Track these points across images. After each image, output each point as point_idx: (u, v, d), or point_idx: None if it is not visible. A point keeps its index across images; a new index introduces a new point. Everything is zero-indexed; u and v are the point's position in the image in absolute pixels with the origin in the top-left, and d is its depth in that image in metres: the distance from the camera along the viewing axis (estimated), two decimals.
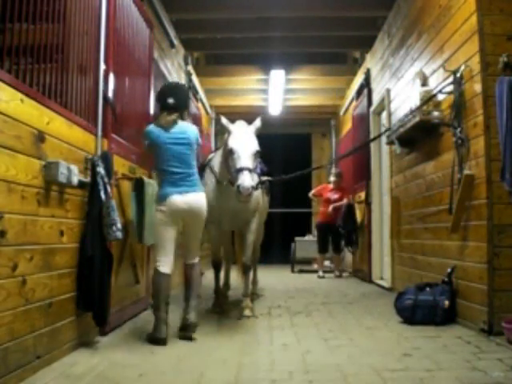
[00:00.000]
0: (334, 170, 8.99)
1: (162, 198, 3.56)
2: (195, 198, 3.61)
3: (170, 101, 3.66)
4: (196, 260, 3.86)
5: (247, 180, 3.68)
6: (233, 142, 3.94)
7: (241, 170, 3.75)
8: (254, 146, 3.97)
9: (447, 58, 4.24)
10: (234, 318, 4.41)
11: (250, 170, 3.77)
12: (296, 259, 9.48)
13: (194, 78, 8.07)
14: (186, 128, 3.72)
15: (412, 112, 4.63)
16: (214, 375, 2.71)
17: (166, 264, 3.58)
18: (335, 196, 8.51)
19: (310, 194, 9.17)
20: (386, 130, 5.64)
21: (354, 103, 8.64)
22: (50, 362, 2.83)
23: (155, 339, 3.41)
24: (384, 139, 5.99)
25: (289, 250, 9.62)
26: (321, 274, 8.51)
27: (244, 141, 3.94)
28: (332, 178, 8.84)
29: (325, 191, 8.77)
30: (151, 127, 3.71)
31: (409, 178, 5.45)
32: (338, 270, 8.58)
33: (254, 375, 2.70)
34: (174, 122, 3.65)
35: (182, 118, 3.75)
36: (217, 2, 6.33)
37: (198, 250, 3.89)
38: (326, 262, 9.34)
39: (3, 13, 2.52)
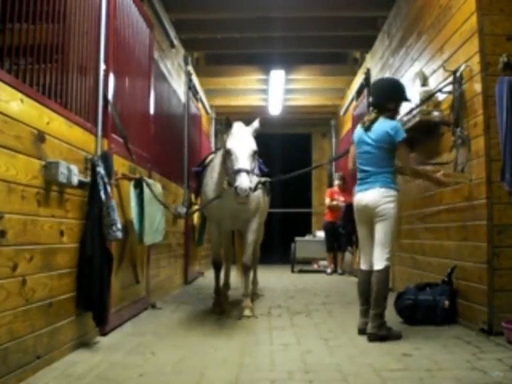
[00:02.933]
0: (337, 175, 9.40)
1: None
2: (370, 195, 3.59)
3: (371, 100, 3.76)
4: (378, 266, 3.54)
5: (245, 182, 3.68)
6: (230, 143, 3.95)
7: (238, 171, 3.76)
8: (252, 146, 3.97)
9: (447, 58, 4.24)
10: (234, 317, 4.41)
11: (248, 172, 3.78)
12: (296, 259, 9.49)
13: (194, 78, 8.07)
14: (379, 126, 3.63)
15: (411, 111, 4.64)
16: (214, 375, 2.71)
17: (363, 262, 3.76)
18: (341, 198, 8.94)
19: (328, 202, 9.15)
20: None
21: (354, 103, 8.64)
22: (50, 362, 2.83)
23: (358, 328, 3.69)
24: None
25: (289, 249, 9.63)
26: (329, 271, 8.95)
27: (242, 142, 3.94)
28: (336, 182, 9.26)
29: (333, 195, 9.14)
30: (358, 126, 3.82)
31: (409, 177, 5.44)
32: (340, 268, 8.89)
33: (254, 375, 2.70)
34: (373, 121, 3.67)
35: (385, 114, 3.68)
36: (217, 2, 6.33)
37: (381, 254, 3.56)
38: (322, 262, 9.64)
39: (3, 13, 2.52)
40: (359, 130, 3.79)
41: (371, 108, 3.81)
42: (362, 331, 3.62)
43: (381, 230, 3.58)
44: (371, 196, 3.60)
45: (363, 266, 3.76)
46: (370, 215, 3.63)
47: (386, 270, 3.55)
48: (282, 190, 10.14)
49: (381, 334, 3.47)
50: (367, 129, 3.69)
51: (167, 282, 5.96)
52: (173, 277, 6.31)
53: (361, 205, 3.68)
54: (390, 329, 3.56)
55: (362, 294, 3.70)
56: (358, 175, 3.76)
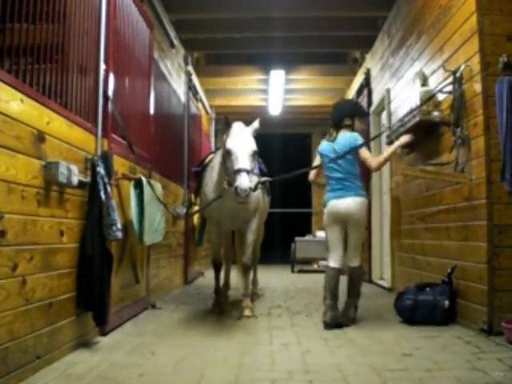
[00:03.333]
0: None
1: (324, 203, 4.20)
2: (348, 203, 4.02)
3: (331, 120, 4.32)
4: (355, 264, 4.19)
5: (245, 181, 3.68)
6: (230, 143, 3.95)
7: (238, 171, 3.75)
8: (252, 146, 3.97)
9: (447, 58, 4.24)
10: (234, 318, 4.41)
11: (248, 171, 3.77)
12: (296, 259, 9.49)
13: (194, 78, 8.08)
14: (342, 138, 4.15)
15: (412, 111, 4.63)
16: (214, 375, 2.71)
17: (333, 260, 4.12)
18: None
19: None
20: (381, 133, 5.63)
21: None
22: (50, 362, 2.83)
23: (324, 322, 3.94)
24: (384, 139, 5.99)
25: (289, 249, 9.63)
26: None
27: (241, 142, 3.94)
28: None
29: None
30: (323, 140, 4.36)
31: (409, 178, 5.44)
32: None
33: (254, 375, 2.70)
34: (335, 136, 4.21)
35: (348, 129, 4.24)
36: (217, 2, 6.33)
37: (355, 254, 4.19)
38: (322, 262, 9.62)
39: (3, 13, 2.52)
40: (324, 143, 4.29)
41: (331, 128, 4.28)
42: (330, 325, 3.90)
43: (357, 234, 4.14)
44: (349, 204, 4.03)
45: (333, 264, 4.11)
46: (346, 220, 4.07)
47: (361, 266, 4.27)
48: (282, 190, 10.15)
49: (353, 316, 4.14)
50: (333, 140, 4.18)
51: (167, 282, 5.96)
52: (173, 277, 6.31)
53: (338, 211, 4.07)
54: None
55: (331, 289, 4.03)
56: (329, 182, 4.18)
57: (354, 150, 4.07)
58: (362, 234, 4.23)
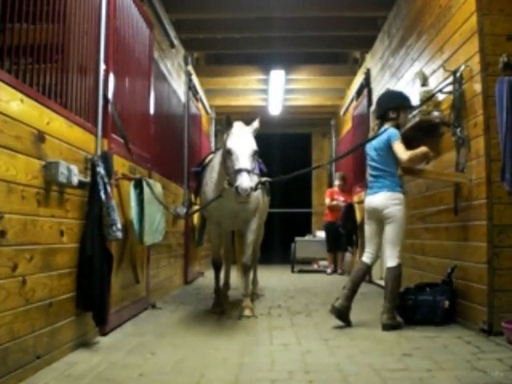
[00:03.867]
0: (337, 175, 9.35)
1: None
2: (378, 199, 3.99)
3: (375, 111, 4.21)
4: (391, 264, 3.95)
5: (245, 181, 3.68)
6: (231, 143, 3.95)
7: (239, 170, 3.75)
8: (252, 146, 3.97)
9: (447, 58, 4.24)
10: (234, 318, 4.41)
11: (249, 171, 3.77)
12: (296, 259, 9.49)
13: (194, 78, 8.08)
14: (381, 135, 4.03)
15: (412, 111, 4.63)
16: (214, 375, 2.71)
17: (365, 256, 4.15)
18: (341, 198, 8.91)
19: (328, 203, 9.09)
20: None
21: (354, 103, 8.64)
22: (50, 362, 2.83)
23: (331, 305, 4.02)
24: None
25: (289, 249, 9.63)
26: (329, 271, 8.95)
27: (242, 141, 3.94)
28: (336, 182, 9.22)
29: (333, 195, 9.09)
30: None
31: (409, 178, 5.43)
32: (340, 268, 8.88)
33: (254, 375, 2.70)
34: (376, 130, 4.17)
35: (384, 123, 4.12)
36: (217, 2, 6.33)
37: (392, 252, 3.97)
38: (322, 262, 9.65)
39: (3, 13, 2.52)
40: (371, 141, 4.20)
41: (376, 121, 4.24)
42: (333, 311, 3.94)
43: (390, 231, 3.97)
44: (379, 199, 3.99)
45: (364, 259, 4.15)
46: (379, 216, 4.03)
47: (398, 266, 3.94)
48: (282, 190, 10.14)
49: (394, 324, 3.86)
50: (374, 138, 4.11)
51: (167, 282, 5.96)
52: (173, 277, 6.31)
53: (370, 207, 4.09)
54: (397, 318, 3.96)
55: (352, 280, 4.09)
56: (368, 179, 4.21)
57: (389, 147, 3.92)
58: (395, 229, 3.93)
